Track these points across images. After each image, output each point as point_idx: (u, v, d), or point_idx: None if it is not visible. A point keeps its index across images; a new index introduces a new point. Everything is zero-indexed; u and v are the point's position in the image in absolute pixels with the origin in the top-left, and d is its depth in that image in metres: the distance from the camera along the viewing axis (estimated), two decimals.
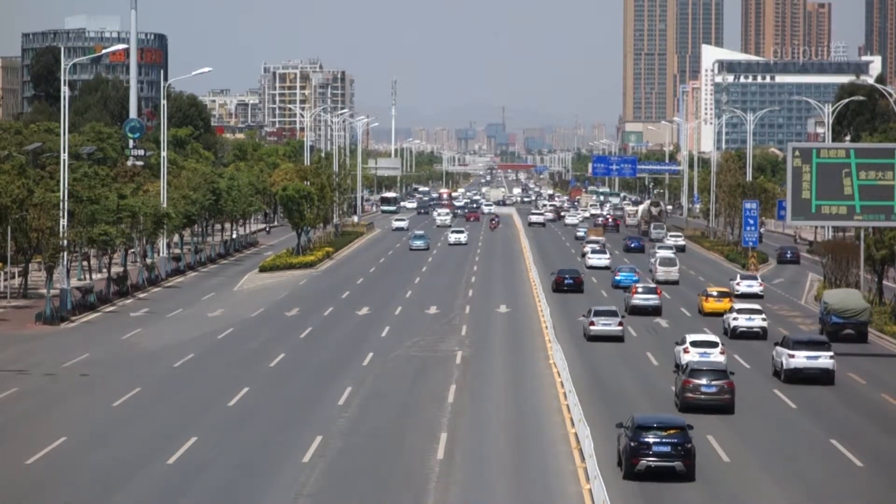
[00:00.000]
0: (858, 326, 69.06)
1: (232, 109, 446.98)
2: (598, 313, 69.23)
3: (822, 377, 55.70)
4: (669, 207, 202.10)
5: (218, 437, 43.94)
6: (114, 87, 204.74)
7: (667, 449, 38.71)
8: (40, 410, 49.09)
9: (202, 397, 51.40)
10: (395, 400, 50.81)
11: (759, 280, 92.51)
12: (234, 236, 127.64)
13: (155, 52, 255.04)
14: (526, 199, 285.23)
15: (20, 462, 40.15)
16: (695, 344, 57.40)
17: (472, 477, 38.68)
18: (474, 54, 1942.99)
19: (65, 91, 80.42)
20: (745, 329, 69.60)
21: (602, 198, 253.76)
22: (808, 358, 55.92)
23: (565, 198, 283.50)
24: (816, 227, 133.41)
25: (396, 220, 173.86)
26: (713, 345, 57.59)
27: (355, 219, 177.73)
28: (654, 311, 79.50)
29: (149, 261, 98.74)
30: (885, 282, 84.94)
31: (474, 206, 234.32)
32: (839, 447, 43.45)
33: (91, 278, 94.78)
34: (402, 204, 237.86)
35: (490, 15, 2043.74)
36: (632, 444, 38.99)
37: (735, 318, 70.19)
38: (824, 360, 55.96)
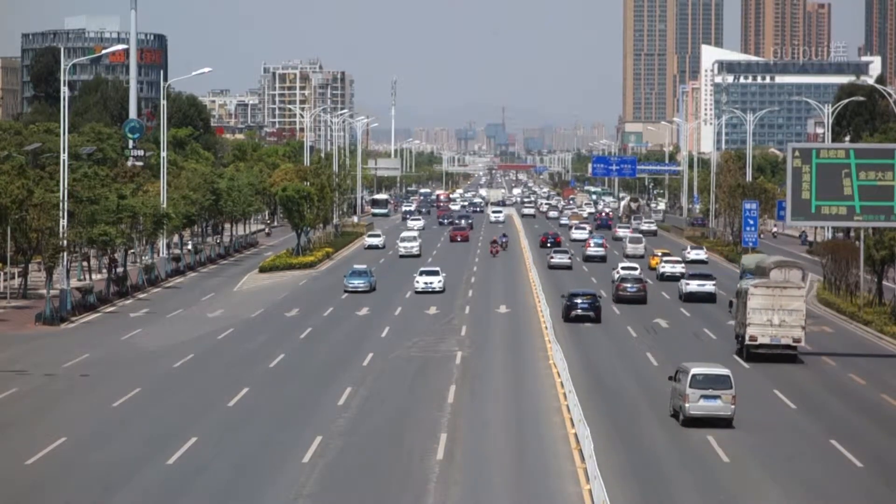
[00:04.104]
0: None
1: (232, 110, 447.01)
2: (555, 252, 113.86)
3: (707, 298, 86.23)
4: (651, 204, 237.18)
5: (218, 437, 43.95)
6: (113, 87, 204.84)
7: (586, 306, 75.27)
8: (40, 410, 49.09)
9: (202, 397, 51.42)
10: (395, 400, 50.82)
11: (704, 249, 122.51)
12: (203, 243, 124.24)
13: (155, 53, 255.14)
14: (526, 200, 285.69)
15: (20, 462, 40.17)
16: (623, 268, 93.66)
17: (472, 477, 38.68)
18: (474, 54, 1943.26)
19: (64, 91, 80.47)
20: (669, 274, 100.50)
21: (595, 197, 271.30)
22: (698, 285, 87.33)
23: (558, 197, 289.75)
24: (815, 228, 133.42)
25: (370, 235, 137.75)
26: (634, 268, 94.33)
27: (355, 219, 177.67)
28: (601, 259, 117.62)
29: (147, 261, 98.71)
30: (884, 282, 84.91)
31: (473, 210, 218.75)
32: (840, 448, 43.45)
33: (91, 278, 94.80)
34: (402, 207, 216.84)
35: (489, 14, 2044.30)
36: (567, 303, 75.94)
37: (663, 266, 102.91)
38: (709, 286, 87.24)
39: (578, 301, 75.38)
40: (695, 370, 46.20)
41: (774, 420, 48.37)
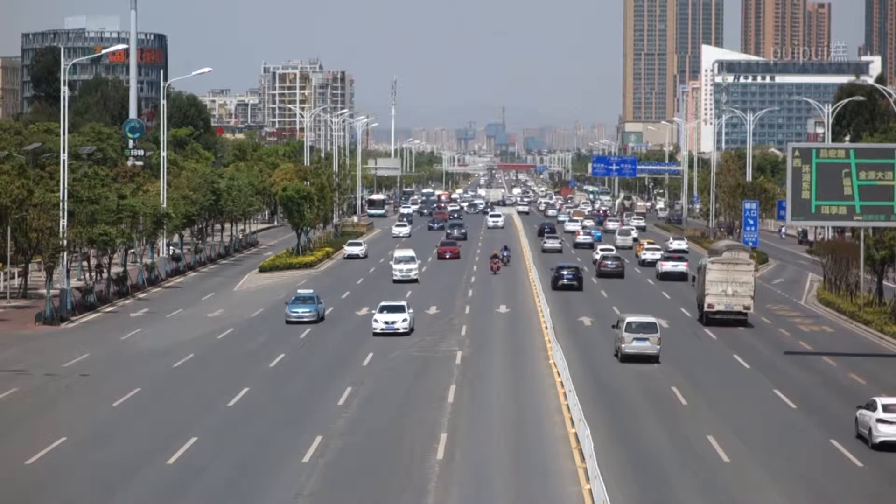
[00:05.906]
0: None
1: (232, 109, 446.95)
2: (548, 237, 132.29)
3: (679, 277, 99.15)
4: (651, 203, 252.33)
5: (218, 437, 43.95)
6: (114, 87, 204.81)
7: (571, 276, 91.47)
8: (40, 410, 49.10)
9: (202, 397, 51.41)
10: (395, 400, 50.81)
11: (686, 240, 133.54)
12: (186, 246, 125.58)
13: (155, 52, 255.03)
14: (526, 199, 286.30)
15: (20, 462, 40.17)
16: (602, 249, 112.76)
17: (472, 477, 38.67)
18: (474, 54, 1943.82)
19: (64, 91, 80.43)
20: (650, 260, 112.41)
21: (592, 196, 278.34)
22: (672, 266, 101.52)
23: (557, 196, 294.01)
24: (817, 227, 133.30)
25: (350, 244, 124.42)
26: (611, 250, 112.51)
27: (355, 219, 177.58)
28: (589, 246, 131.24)
29: (147, 261, 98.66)
30: (885, 282, 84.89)
31: (481, 211, 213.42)
32: (840, 448, 43.44)
33: (91, 278, 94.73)
34: (400, 210, 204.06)
35: (490, 15, 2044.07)
36: (555, 275, 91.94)
37: (644, 254, 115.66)
38: (681, 267, 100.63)
39: (564, 272, 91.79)
40: (629, 318, 60.14)
41: (774, 420, 48.37)
